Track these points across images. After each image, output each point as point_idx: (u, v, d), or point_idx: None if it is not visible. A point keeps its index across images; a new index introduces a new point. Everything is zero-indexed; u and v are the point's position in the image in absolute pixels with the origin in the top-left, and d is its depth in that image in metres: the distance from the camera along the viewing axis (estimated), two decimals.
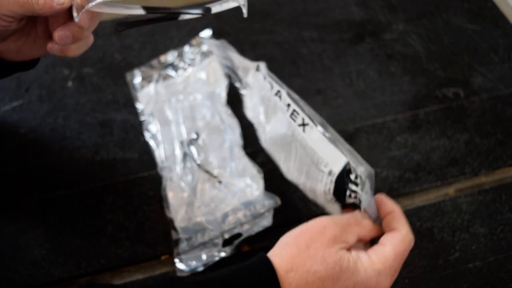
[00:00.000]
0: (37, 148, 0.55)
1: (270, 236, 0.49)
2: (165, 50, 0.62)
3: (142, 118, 0.57)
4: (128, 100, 0.59)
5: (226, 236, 0.48)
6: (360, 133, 0.56)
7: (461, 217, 0.50)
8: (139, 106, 0.58)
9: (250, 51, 0.63)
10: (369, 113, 0.58)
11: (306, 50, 0.64)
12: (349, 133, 0.55)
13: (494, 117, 0.58)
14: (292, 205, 0.51)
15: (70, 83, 0.61)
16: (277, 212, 0.49)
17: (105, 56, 0.64)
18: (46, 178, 0.53)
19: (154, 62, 0.61)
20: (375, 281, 0.37)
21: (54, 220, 0.50)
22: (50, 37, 0.43)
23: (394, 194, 0.52)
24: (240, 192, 0.51)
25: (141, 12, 0.41)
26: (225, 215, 0.49)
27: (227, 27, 0.66)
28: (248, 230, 0.48)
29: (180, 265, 0.47)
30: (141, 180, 0.53)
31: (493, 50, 0.64)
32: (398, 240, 0.39)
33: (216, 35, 0.65)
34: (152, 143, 0.55)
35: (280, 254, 0.38)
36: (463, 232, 0.49)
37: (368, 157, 0.54)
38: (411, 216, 0.50)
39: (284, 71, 0.62)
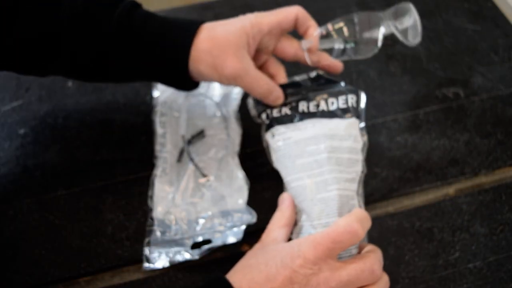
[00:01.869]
0: (37, 148, 0.55)
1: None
2: None
3: (154, 104, 0.58)
4: (128, 100, 0.59)
5: (196, 239, 0.47)
6: None
7: (461, 217, 0.50)
8: (156, 93, 0.59)
9: None
10: (369, 113, 0.58)
11: None
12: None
13: (494, 117, 0.58)
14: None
15: (70, 83, 0.61)
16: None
17: None
18: (46, 178, 0.53)
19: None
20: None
21: (54, 220, 0.50)
22: None
23: (394, 194, 0.52)
24: (222, 200, 0.50)
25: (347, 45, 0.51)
26: (201, 219, 0.49)
27: None
28: (218, 239, 0.47)
29: (147, 253, 0.47)
30: (141, 180, 0.53)
31: (493, 50, 0.64)
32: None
33: None
34: (158, 130, 0.55)
35: None
36: (463, 232, 0.49)
37: (368, 157, 0.54)
38: (411, 216, 0.50)
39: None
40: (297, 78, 0.54)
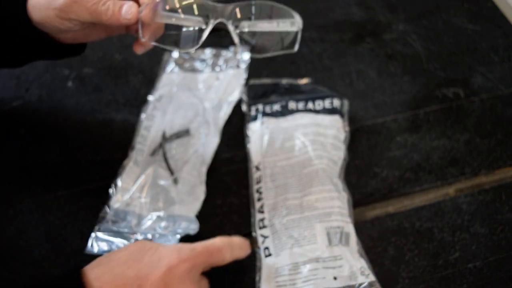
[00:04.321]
0: (37, 148, 0.55)
1: None
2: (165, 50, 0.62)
3: (149, 97, 0.58)
4: (128, 100, 0.59)
5: (138, 237, 0.47)
6: (360, 133, 0.56)
7: (461, 217, 0.50)
8: (156, 86, 0.59)
9: None
10: (369, 113, 0.58)
11: (306, 50, 0.64)
12: (349, 133, 0.55)
13: (494, 117, 0.58)
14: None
15: (70, 83, 0.61)
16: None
17: (105, 56, 0.64)
18: (46, 178, 0.53)
19: (192, 51, 0.62)
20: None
21: (54, 220, 0.50)
22: (107, 28, 0.46)
23: (394, 194, 0.52)
24: (173, 205, 0.50)
25: (201, 25, 0.43)
26: (150, 219, 0.49)
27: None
28: (158, 241, 0.46)
29: (93, 238, 0.47)
30: None
31: (493, 50, 0.64)
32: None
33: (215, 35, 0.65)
34: (144, 121, 0.56)
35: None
36: (463, 232, 0.49)
37: (368, 157, 0.55)
38: (411, 216, 0.50)
39: (284, 71, 0.62)
40: (285, 81, 0.59)
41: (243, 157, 0.54)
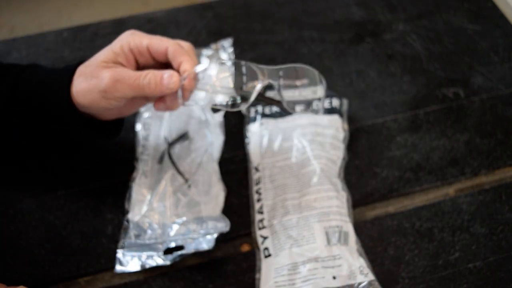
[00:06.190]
0: (37, 148, 0.55)
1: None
2: None
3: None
4: None
5: (169, 244, 0.47)
6: (360, 133, 0.56)
7: (461, 217, 0.50)
8: None
9: (250, 51, 0.63)
10: (369, 113, 0.58)
11: (306, 50, 0.64)
12: (349, 133, 0.56)
13: (494, 117, 0.58)
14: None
15: None
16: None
17: None
18: (46, 178, 0.53)
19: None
20: None
21: (54, 220, 0.50)
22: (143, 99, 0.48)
23: (394, 194, 0.52)
24: (197, 207, 0.50)
25: (232, 95, 0.46)
26: (176, 224, 0.48)
27: (227, 27, 0.66)
28: (190, 245, 0.46)
29: (120, 256, 0.47)
30: None
31: (493, 50, 0.64)
32: None
33: (215, 35, 0.65)
34: (141, 132, 0.55)
35: None
36: (463, 232, 0.49)
37: (368, 157, 0.55)
38: (411, 216, 0.50)
39: None
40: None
41: (243, 157, 0.54)
